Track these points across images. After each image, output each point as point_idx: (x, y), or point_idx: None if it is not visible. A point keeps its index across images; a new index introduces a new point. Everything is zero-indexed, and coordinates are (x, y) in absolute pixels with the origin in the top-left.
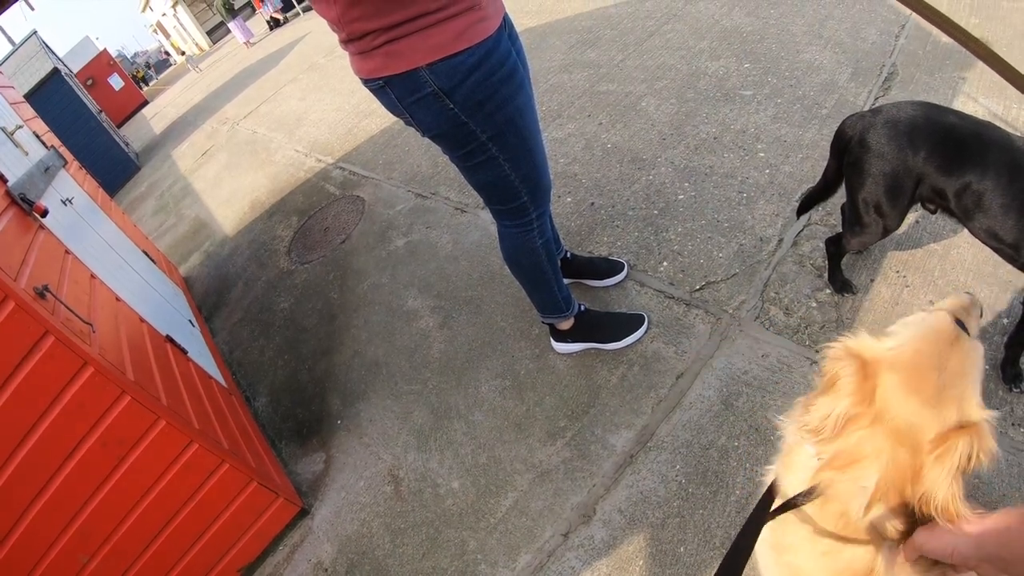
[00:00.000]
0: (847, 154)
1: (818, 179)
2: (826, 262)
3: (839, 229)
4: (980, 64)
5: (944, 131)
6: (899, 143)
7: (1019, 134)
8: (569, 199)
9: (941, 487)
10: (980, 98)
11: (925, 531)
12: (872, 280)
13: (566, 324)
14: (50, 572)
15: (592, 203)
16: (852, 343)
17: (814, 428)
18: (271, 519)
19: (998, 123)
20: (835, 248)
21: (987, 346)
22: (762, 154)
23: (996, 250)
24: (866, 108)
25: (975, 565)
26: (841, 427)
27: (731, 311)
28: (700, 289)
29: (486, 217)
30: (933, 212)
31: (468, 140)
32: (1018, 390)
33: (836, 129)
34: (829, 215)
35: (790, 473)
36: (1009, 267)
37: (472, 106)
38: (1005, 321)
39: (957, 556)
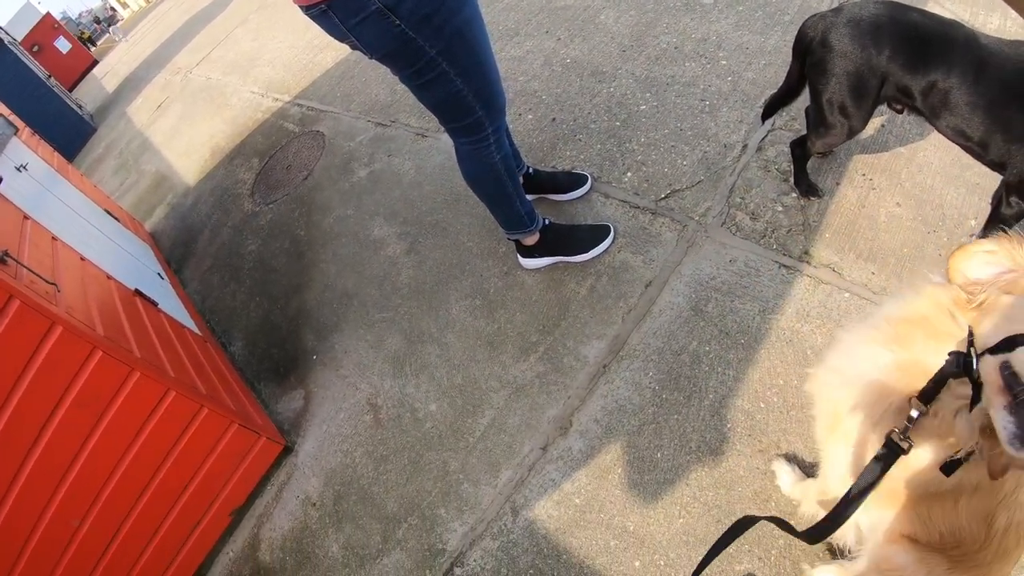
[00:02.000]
0: (809, 55)
1: (781, 84)
2: (791, 166)
3: (804, 133)
4: None
5: (908, 28)
6: (862, 41)
7: (984, 34)
8: (530, 116)
9: None
10: (946, 3)
11: None
12: (838, 183)
13: (531, 239)
14: (44, 542)
15: (553, 119)
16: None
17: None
18: (256, 460)
19: None
20: (800, 151)
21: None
22: (724, 62)
23: (965, 148)
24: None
25: None
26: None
27: (697, 218)
28: (665, 198)
29: (447, 140)
30: (900, 112)
31: (417, 57)
32: None
33: (798, 30)
34: (793, 120)
35: None
36: (976, 169)
37: (418, 21)
38: (972, 223)
39: None
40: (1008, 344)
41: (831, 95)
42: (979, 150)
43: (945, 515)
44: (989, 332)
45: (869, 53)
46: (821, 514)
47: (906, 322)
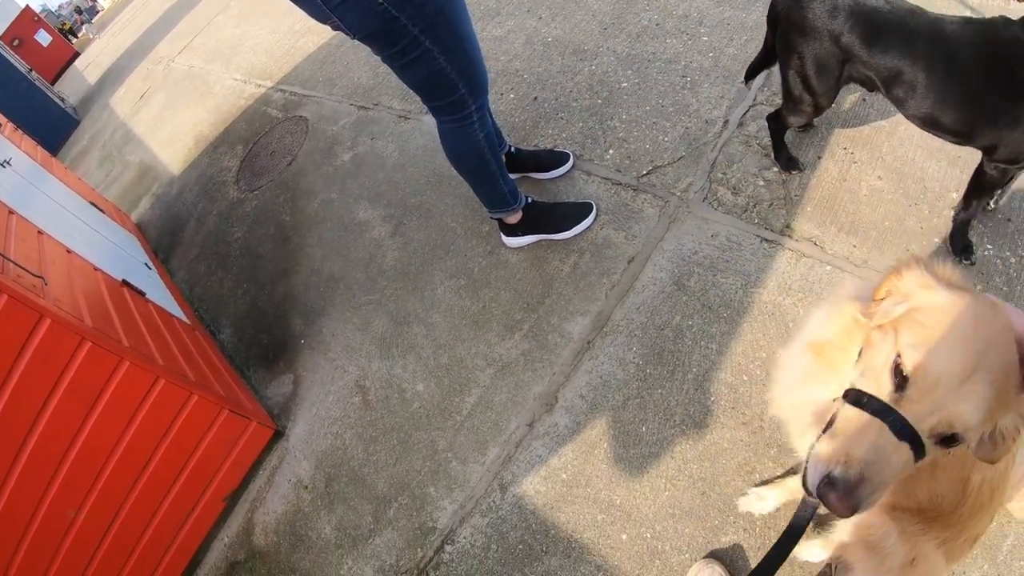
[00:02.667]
0: (777, 27)
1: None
2: (771, 140)
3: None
4: None
5: (868, 13)
6: (821, 20)
7: (950, 17)
8: (512, 95)
9: None
10: None
11: None
12: (819, 157)
13: (514, 218)
14: (41, 532)
15: (535, 97)
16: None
17: None
18: (248, 445)
19: (945, 10)
20: (776, 124)
21: (937, 220)
22: (705, 38)
23: (935, 135)
24: None
25: None
26: None
27: (679, 193)
28: (647, 174)
29: (430, 122)
30: (871, 91)
31: (400, 36)
32: (968, 262)
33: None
34: (775, 95)
35: None
36: None
37: None
38: (954, 195)
39: None
40: (846, 394)
41: (794, 69)
42: (954, 139)
43: (923, 484)
44: (858, 367)
45: (827, 32)
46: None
47: (829, 346)
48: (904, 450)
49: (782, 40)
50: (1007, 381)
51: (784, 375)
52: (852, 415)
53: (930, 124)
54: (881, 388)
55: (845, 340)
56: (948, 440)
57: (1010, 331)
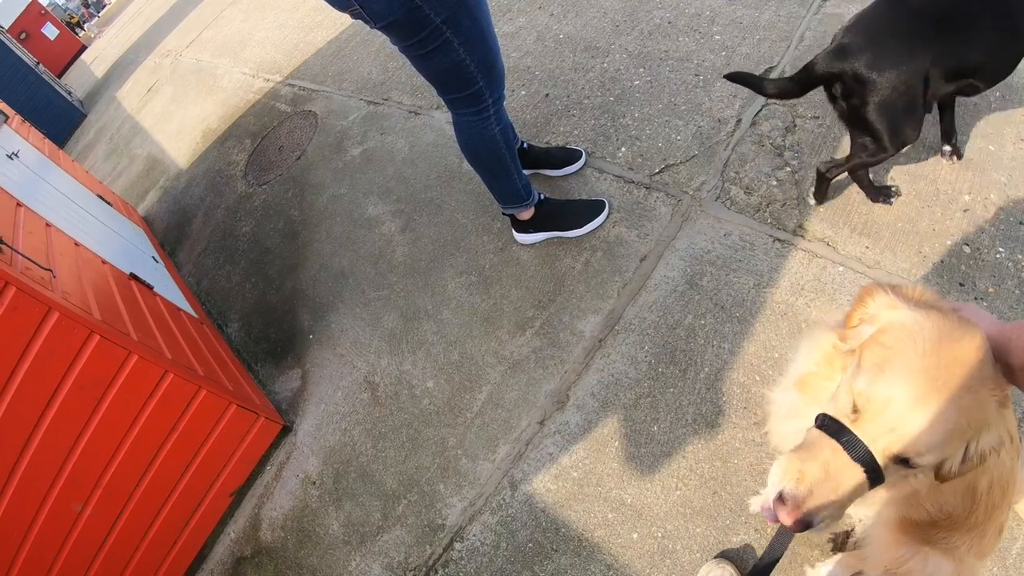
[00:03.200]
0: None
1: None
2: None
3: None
4: None
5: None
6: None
7: None
8: (523, 92)
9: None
10: None
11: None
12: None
13: (526, 214)
14: (47, 527)
15: (547, 94)
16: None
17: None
18: (255, 440)
19: None
20: (855, 175)
21: (950, 222)
22: (718, 36)
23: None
24: None
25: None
26: None
27: (691, 192)
28: (660, 172)
29: (440, 117)
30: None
31: (422, 25)
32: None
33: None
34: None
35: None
36: (971, 144)
37: None
38: (967, 198)
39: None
40: (816, 419)
41: (887, 116)
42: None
43: (929, 497)
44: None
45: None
46: None
47: (814, 377)
48: (856, 470)
49: (861, 93)
50: (978, 399)
51: (775, 411)
52: (814, 436)
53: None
54: (840, 411)
55: (828, 369)
56: (907, 462)
57: (982, 348)
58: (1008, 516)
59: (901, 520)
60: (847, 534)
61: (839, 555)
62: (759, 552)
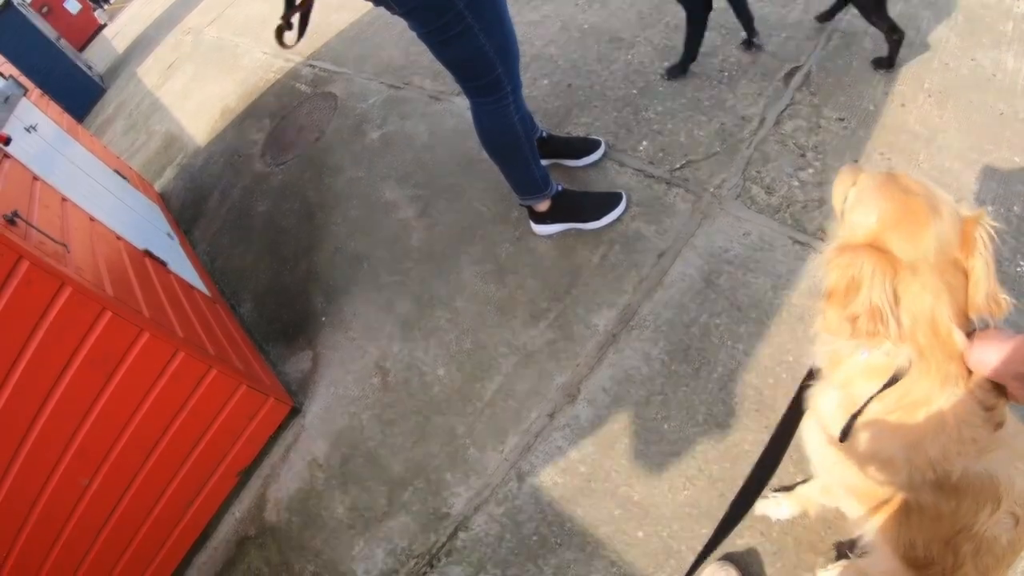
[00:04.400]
0: None
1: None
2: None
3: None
4: None
5: None
6: None
7: None
8: (546, 81)
9: (984, 274)
10: None
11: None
12: (856, 160)
13: (544, 205)
14: (53, 501)
15: (569, 84)
16: (842, 244)
17: (874, 323)
18: (264, 421)
19: None
20: None
21: None
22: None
23: None
24: None
25: (1008, 382)
26: (894, 304)
27: (712, 190)
28: (680, 168)
29: (461, 104)
30: None
31: (445, 10)
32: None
33: None
34: (812, 95)
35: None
36: (996, 154)
37: None
38: (990, 208)
39: (992, 373)
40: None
41: None
42: None
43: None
44: None
45: None
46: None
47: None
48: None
49: None
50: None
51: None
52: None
53: None
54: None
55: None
56: None
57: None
58: None
59: (902, 546)
60: (852, 542)
61: (843, 562)
62: (764, 556)
